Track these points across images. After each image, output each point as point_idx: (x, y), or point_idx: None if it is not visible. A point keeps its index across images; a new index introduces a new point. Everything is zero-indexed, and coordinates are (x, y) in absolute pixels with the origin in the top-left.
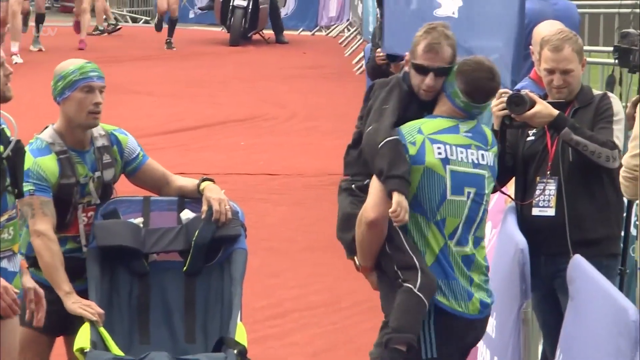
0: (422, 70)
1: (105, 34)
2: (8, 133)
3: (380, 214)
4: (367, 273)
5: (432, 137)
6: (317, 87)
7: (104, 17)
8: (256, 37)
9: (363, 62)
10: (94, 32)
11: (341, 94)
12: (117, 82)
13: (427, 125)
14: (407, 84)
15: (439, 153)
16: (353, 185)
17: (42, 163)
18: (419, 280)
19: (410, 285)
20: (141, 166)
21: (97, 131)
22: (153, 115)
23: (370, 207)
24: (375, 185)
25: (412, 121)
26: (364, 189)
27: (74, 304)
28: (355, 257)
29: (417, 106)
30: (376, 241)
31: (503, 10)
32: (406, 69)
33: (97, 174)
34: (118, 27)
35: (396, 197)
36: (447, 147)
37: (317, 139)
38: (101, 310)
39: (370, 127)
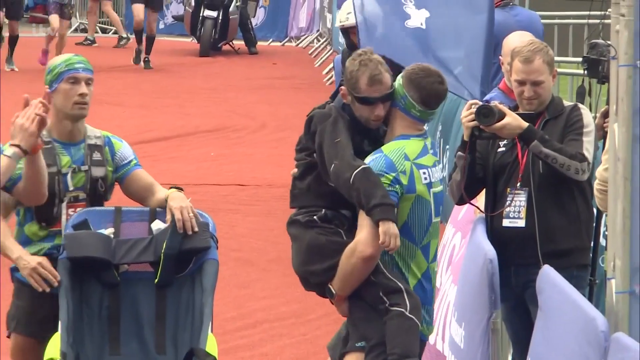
0: (369, 101)
1: (95, 44)
2: None
3: (376, 248)
4: (341, 301)
5: (417, 163)
6: (287, 98)
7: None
8: (226, 47)
9: (333, 72)
10: (84, 42)
11: (311, 105)
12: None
13: (409, 149)
14: (348, 113)
15: (425, 178)
16: (315, 217)
17: None
18: (407, 303)
19: (401, 309)
20: (129, 173)
21: (93, 132)
22: (122, 126)
23: (365, 242)
24: (364, 218)
25: (392, 144)
26: (327, 219)
27: (24, 268)
28: (330, 286)
29: (359, 136)
30: (367, 273)
31: (468, 22)
32: (345, 101)
33: (84, 167)
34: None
35: (381, 227)
36: (428, 170)
37: (287, 150)
38: (56, 273)
39: (333, 166)
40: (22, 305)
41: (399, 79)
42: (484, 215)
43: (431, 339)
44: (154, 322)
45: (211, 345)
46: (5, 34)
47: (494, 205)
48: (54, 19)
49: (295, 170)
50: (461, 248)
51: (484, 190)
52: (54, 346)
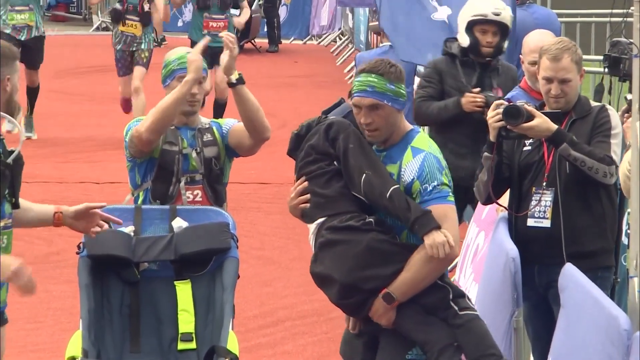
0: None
1: (165, 43)
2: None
3: (457, 250)
4: (391, 310)
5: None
6: (309, 96)
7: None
8: (248, 45)
9: (354, 70)
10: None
11: (333, 103)
12: (113, 91)
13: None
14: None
15: None
16: (371, 220)
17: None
18: (474, 307)
19: (475, 313)
20: (231, 127)
21: (201, 119)
22: None
23: (456, 242)
24: (448, 218)
25: (423, 139)
26: (380, 223)
27: None
28: (391, 292)
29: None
30: (437, 277)
31: None
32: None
33: (197, 149)
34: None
35: (426, 241)
36: None
37: None
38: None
39: (365, 176)
40: None
41: (383, 83)
42: (506, 213)
43: None
44: (175, 320)
45: (232, 343)
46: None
47: (519, 204)
48: (126, 80)
49: (305, 184)
50: (483, 247)
51: (509, 189)
52: (75, 343)
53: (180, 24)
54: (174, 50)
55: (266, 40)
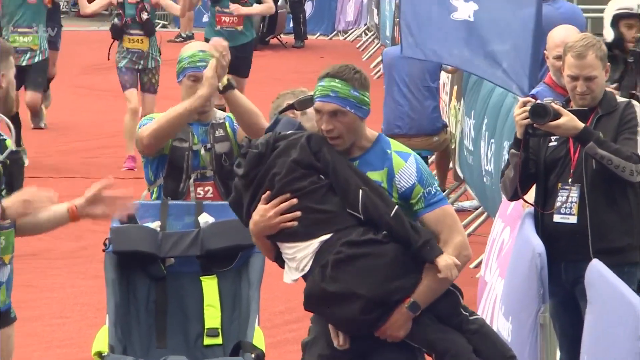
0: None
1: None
2: (8, 144)
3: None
4: (409, 321)
5: None
6: None
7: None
8: (274, 41)
9: (381, 66)
10: (176, 39)
11: None
12: None
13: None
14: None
15: None
16: (384, 232)
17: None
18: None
19: (482, 317)
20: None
21: (216, 113)
22: None
23: (467, 246)
24: (445, 225)
25: (399, 145)
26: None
27: None
28: (414, 302)
29: None
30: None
31: (516, 15)
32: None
33: (208, 145)
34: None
35: (440, 263)
36: None
37: None
38: None
39: (362, 192)
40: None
41: (347, 89)
42: (532, 209)
43: None
44: (201, 316)
45: (258, 338)
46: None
47: (545, 201)
48: (131, 93)
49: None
50: (509, 242)
51: (535, 185)
52: (102, 339)
53: (205, 19)
54: (189, 45)
55: (292, 36)
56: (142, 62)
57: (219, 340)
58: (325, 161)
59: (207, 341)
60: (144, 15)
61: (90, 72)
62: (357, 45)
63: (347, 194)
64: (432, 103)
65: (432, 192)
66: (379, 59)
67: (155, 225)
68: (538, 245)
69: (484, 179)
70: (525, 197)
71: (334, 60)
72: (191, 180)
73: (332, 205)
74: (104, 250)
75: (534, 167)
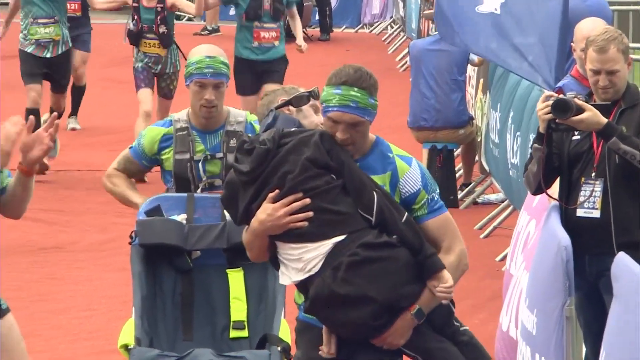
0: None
1: (213, 34)
2: None
3: None
4: (411, 329)
5: None
6: None
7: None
8: None
9: (406, 59)
10: (202, 32)
11: (384, 91)
12: None
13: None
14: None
15: None
16: (394, 238)
17: (147, 132)
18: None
19: (467, 327)
20: None
21: (235, 117)
22: None
23: (466, 255)
24: (447, 231)
25: (399, 149)
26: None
27: None
28: (420, 309)
29: None
30: None
31: (542, 8)
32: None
33: (219, 155)
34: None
35: (445, 276)
36: None
37: None
38: None
39: (376, 195)
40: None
41: (366, 98)
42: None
43: (504, 325)
44: (227, 308)
45: (284, 331)
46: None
47: (568, 195)
48: (145, 94)
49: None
50: (534, 235)
51: (559, 178)
52: (128, 332)
53: (232, 12)
54: (197, 49)
55: (318, 29)
56: (159, 66)
57: (245, 333)
58: (339, 160)
59: (233, 334)
60: (162, 29)
61: (117, 65)
62: (383, 38)
63: (362, 196)
64: (458, 95)
65: (435, 199)
66: (405, 51)
67: (181, 218)
68: (564, 238)
69: (510, 171)
70: (550, 191)
71: (360, 54)
72: (199, 190)
73: (346, 206)
74: (130, 243)
75: (558, 161)
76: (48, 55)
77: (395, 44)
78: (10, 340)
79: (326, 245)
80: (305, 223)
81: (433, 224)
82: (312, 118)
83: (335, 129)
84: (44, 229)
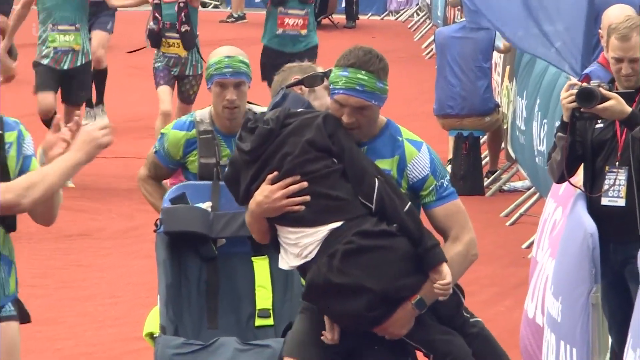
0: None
1: (239, 21)
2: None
3: None
4: (413, 319)
5: None
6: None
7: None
8: (325, 21)
9: (432, 46)
10: (228, 20)
11: (410, 79)
12: None
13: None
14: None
15: None
16: (393, 226)
17: (169, 136)
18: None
19: (481, 320)
20: None
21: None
22: None
23: (475, 245)
24: (456, 221)
25: (409, 132)
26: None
27: None
28: (421, 299)
29: None
30: None
31: None
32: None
33: None
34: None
35: (445, 269)
36: None
37: None
38: None
39: (378, 181)
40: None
41: (373, 82)
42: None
43: (529, 312)
44: (252, 296)
45: None
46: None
47: (592, 183)
48: (165, 92)
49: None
50: (560, 222)
51: (582, 167)
52: (153, 320)
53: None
54: (216, 51)
55: (344, 16)
56: (178, 68)
57: (270, 321)
58: (340, 145)
59: (259, 322)
60: (184, 27)
61: (142, 51)
62: (409, 26)
63: (362, 182)
64: (484, 83)
65: (445, 185)
66: (431, 39)
67: (206, 205)
68: (590, 225)
69: (536, 159)
70: (574, 180)
71: (386, 41)
72: None
73: (345, 192)
74: (155, 231)
75: (581, 149)
76: (65, 67)
77: (421, 32)
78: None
79: (322, 231)
80: (302, 207)
81: (441, 212)
82: (324, 100)
83: (341, 112)
84: (70, 216)
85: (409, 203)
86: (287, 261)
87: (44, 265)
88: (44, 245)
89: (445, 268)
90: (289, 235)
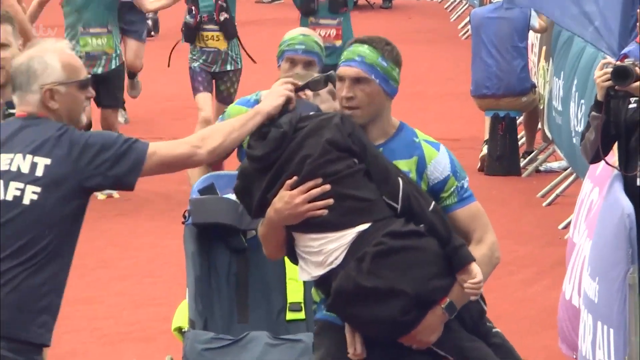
0: None
1: (275, 1)
2: None
3: None
4: (442, 325)
5: None
6: (422, 52)
7: None
8: (361, 2)
9: (468, 27)
10: (264, 0)
11: (447, 59)
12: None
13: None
14: None
15: None
16: (421, 226)
17: (231, 110)
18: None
19: (498, 330)
20: None
21: None
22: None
23: (498, 248)
24: (479, 222)
25: (425, 135)
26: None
27: None
28: (451, 302)
29: None
30: None
31: None
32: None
33: None
34: None
35: (475, 268)
36: None
37: (424, 104)
38: None
39: (402, 181)
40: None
41: (375, 56)
42: None
43: (567, 294)
44: (283, 289)
45: None
46: None
47: (627, 163)
48: (204, 99)
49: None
50: (597, 202)
51: (617, 147)
52: (182, 315)
53: None
54: (293, 30)
55: None
56: (218, 64)
57: (301, 315)
58: (361, 144)
59: (290, 316)
60: (223, 16)
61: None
62: (445, 6)
63: (387, 182)
64: (520, 63)
65: (465, 187)
66: (467, 19)
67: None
68: (627, 206)
69: (574, 139)
70: (610, 159)
71: (422, 21)
72: None
73: (370, 193)
74: (183, 223)
75: (615, 129)
76: (99, 71)
77: (457, 12)
78: None
79: (349, 234)
80: (325, 211)
81: (463, 214)
82: (330, 103)
83: (341, 89)
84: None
85: (433, 202)
86: (309, 272)
87: (82, 245)
88: (82, 226)
89: (475, 267)
90: (310, 243)
